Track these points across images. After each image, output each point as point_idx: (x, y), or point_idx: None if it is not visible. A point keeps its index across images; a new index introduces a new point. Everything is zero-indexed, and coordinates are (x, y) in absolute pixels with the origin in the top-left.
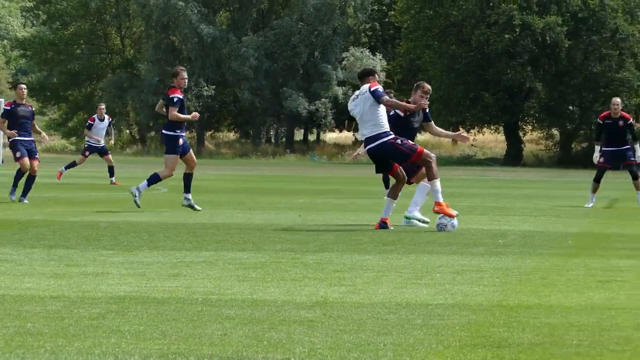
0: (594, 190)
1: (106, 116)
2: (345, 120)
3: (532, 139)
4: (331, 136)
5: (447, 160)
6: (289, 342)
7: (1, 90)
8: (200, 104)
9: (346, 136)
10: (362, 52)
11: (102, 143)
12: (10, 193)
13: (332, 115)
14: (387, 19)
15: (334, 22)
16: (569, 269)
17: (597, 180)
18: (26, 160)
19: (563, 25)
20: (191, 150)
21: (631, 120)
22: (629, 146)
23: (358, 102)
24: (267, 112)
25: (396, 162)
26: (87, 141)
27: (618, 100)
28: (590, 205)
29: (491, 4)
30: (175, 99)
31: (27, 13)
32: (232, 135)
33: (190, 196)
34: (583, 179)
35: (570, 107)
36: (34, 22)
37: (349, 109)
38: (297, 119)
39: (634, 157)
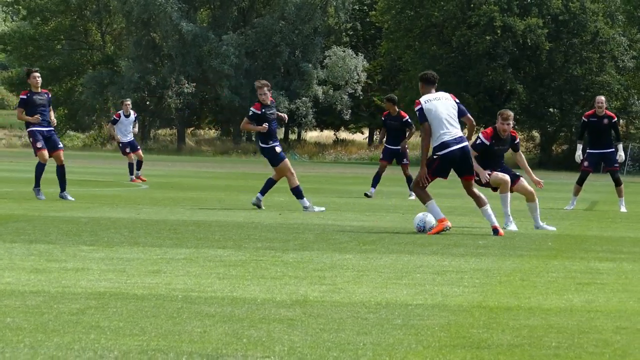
0: (576, 192)
1: (132, 111)
2: (325, 120)
3: None
4: (312, 135)
5: None
6: (268, 341)
7: None
8: (181, 101)
9: (327, 135)
10: (344, 51)
11: (131, 138)
12: (36, 193)
13: (312, 115)
14: (368, 19)
15: (315, 21)
16: (548, 271)
17: (580, 182)
18: (45, 152)
19: (544, 28)
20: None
21: (615, 119)
22: (613, 149)
23: (444, 104)
24: (248, 109)
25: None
26: (121, 141)
27: (602, 98)
28: (571, 207)
29: (472, 5)
30: (250, 113)
31: (7, 8)
32: (212, 133)
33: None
34: (563, 181)
35: (551, 110)
36: (14, 17)
37: (428, 107)
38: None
39: (617, 161)
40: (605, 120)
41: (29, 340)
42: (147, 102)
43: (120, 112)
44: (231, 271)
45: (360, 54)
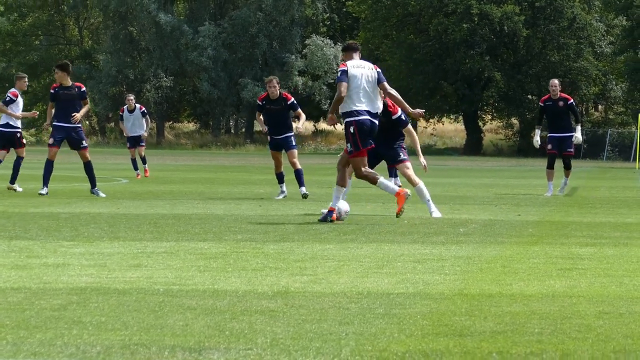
0: (550, 177)
1: (137, 106)
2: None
3: (492, 129)
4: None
5: (407, 150)
6: (251, 332)
7: None
8: (160, 94)
9: (306, 127)
10: (323, 41)
11: (137, 133)
12: (41, 188)
13: None
14: (344, 9)
15: (292, 12)
16: (530, 257)
17: (550, 166)
18: (54, 149)
19: (521, 15)
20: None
21: (571, 101)
22: (572, 133)
23: (366, 73)
24: (226, 102)
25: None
26: (127, 134)
27: (556, 81)
28: (550, 194)
29: None
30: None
31: None
32: (191, 126)
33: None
34: (542, 168)
35: (529, 96)
36: None
37: (353, 74)
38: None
39: (571, 145)
40: (561, 103)
41: (11, 337)
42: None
43: (125, 107)
44: (212, 264)
45: (338, 44)
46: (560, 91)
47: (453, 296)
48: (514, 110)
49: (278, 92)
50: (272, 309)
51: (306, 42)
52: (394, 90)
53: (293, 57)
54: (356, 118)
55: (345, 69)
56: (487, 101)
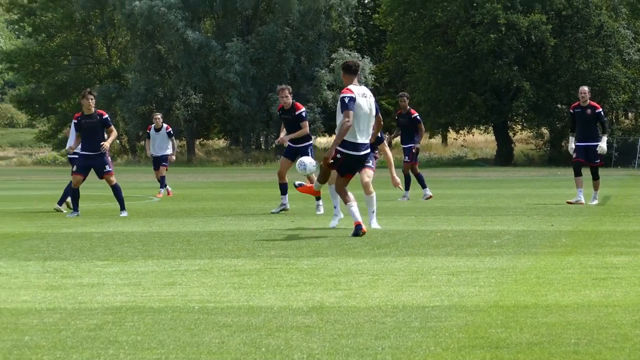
0: (578, 184)
1: (164, 125)
2: (333, 125)
3: (522, 139)
4: (321, 141)
5: (437, 161)
6: (287, 349)
7: None
8: (189, 112)
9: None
10: (350, 54)
11: (162, 152)
12: (71, 213)
13: (321, 120)
14: (371, 22)
15: (319, 26)
16: (564, 268)
17: (576, 174)
18: (77, 176)
19: (548, 24)
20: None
21: (599, 109)
22: (598, 142)
23: (369, 102)
24: (256, 118)
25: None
26: (151, 154)
27: (585, 88)
28: (575, 200)
29: (475, 4)
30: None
31: (12, 26)
32: (222, 143)
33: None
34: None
35: (559, 105)
36: (20, 34)
37: (359, 103)
38: None
39: (597, 156)
40: (589, 111)
41: (48, 358)
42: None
43: (152, 125)
44: (246, 280)
45: (366, 57)
46: (590, 99)
47: (488, 308)
48: (544, 120)
49: (290, 101)
50: (307, 324)
51: (333, 56)
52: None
53: (323, 71)
54: (348, 152)
55: (353, 96)
56: (516, 111)
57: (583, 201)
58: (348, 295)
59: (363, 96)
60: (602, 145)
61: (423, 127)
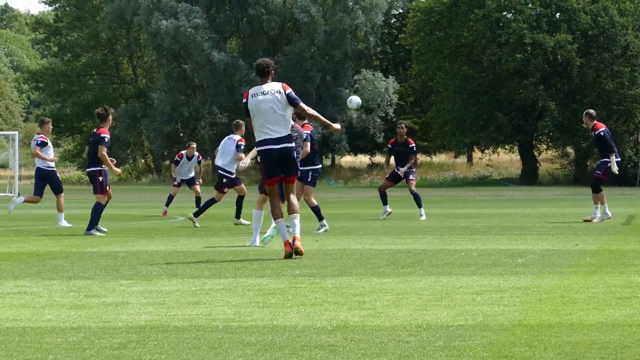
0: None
1: (196, 153)
2: (358, 144)
3: (547, 158)
4: (346, 160)
5: (462, 181)
6: None
7: (15, 123)
8: (215, 131)
9: (361, 160)
10: (374, 75)
11: (190, 175)
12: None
13: (346, 139)
14: (397, 42)
15: (345, 46)
16: (588, 287)
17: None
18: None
19: (574, 43)
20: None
21: (598, 131)
22: (601, 159)
23: (272, 98)
24: None
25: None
26: (180, 179)
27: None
28: (599, 216)
29: (501, 24)
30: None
31: (38, 45)
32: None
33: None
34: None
35: (584, 125)
36: (46, 54)
37: (253, 101)
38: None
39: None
40: (593, 133)
41: None
42: (181, 134)
43: (184, 152)
44: (270, 299)
45: (390, 76)
46: (589, 123)
47: (513, 327)
48: (569, 139)
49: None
50: (331, 343)
51: (355, 77)
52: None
53: (347, 91)
54: (264, 147)
55: (245, 100)
56: (542, 131)
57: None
58: (372, 315)
59: (262, 94)
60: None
61: (416, 157)
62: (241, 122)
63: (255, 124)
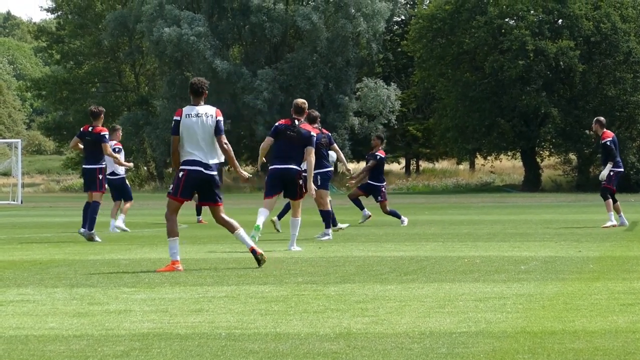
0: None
1: None
2: (361, 151)
3: (550, 164)
4: (349, 167)
5: (465, 187)
6: None
7: (18, 130)
8: None
9: (363, 167)
10: (375, 83)
11: None
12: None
13: (349, 146)
14: (399, 49)
15: (347, 53)
16: (591, 294)
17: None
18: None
19: (576, 50)
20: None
21: (604, 141)
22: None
23: (205, 121)
24: None
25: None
26: None
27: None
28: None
29: (503, 30)
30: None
31: (40, 53)
32: (249, 169)
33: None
34: (601, 203)
35: (587, 132)
36: (48, 61)
37: (185, 122)
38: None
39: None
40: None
41: None
42: None
43: None
44: (273, 307)
45: (392, 83)
46: (599, 130)
47: (516, 334)
48: (572, 146)
49: None
50: (334, 350)
51: (357, 85)
52: None
53: (347, 98)
54: (188, 167)
55: (178, 119)
56: (544, 137)
57: (614, 223)
58: (375, 322)
59: (197, 116)
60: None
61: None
62: (117, 127)
63: (184, 144)
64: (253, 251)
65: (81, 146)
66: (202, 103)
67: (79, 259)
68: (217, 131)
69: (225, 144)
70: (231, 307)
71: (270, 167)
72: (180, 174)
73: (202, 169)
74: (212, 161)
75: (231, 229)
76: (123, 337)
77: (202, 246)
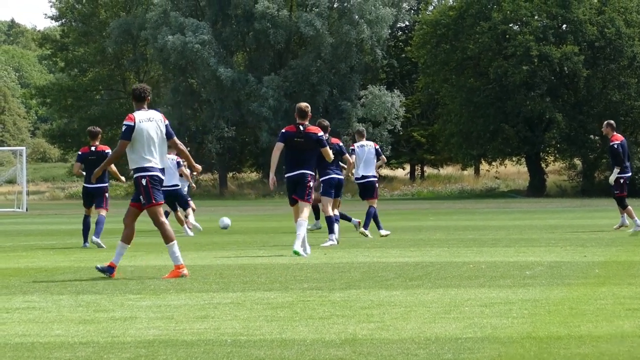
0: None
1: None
2: None
3: (555, 170)
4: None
5: (470, 193)
6: None
7: (22, 138)
8: (222, 145)
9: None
10: (380, 90)
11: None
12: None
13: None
14: (404, 55)
15: (351, 59)
16: (597, 298)
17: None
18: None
19: (580, 55)
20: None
21: (612, 143)
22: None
23: (157, 126)
24: None
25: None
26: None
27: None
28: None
29: (507, 36)
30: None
31: (45, 61)
32: (254, 176)
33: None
34: (606, 208)
35: (591, 137)
36: (52, 69)
37: (140, 127)
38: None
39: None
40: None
41: None
42: (188, 148)
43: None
44: (279, 313)
45: (396, 90)
46: (609, 133)
47: (521, 339)
48: (577, 151)
49: None
50: (340, 356)
51: (361, 92)
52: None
53: (349, 104)
54: (144, 174)
55: (132, 124)
56: (549, 142)
57: (627, 223)
58: (381, 328)
59: (149, 120)
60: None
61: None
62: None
63: (138, 149)
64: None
65: (83, 172)
66: (146, 108)
67: (85, 266)
68: (170, 135)
69: (179, 143)
70: (237, 313)
71: (285, 176)
72: (144, 181)
73: (160, 174)
74: (162, 165)
75: (165, 236)
76: (129, 344)
77: (207, 253)
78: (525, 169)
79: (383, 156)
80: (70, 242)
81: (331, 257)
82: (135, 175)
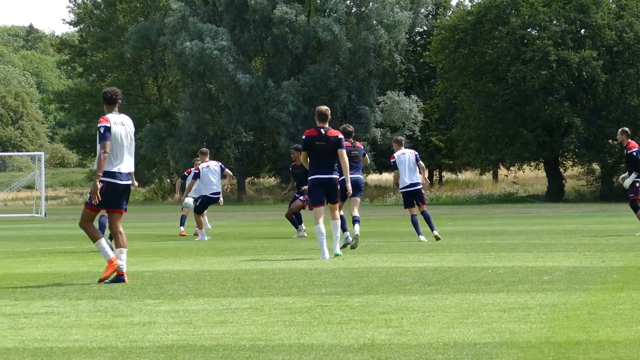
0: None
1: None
2: (384, 162)
3: (573, 175)
4: (372, 178)
5: (488, 198)
6: None
7: (41, 143)
8: (240, 150)
9: (387, 178)
10: (398, 95)
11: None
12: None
13: (371, 158)
14: (422, 60)
15: (369, 64)
16: (616, 304)
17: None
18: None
19: (599, 60)
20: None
21: (630, 151)
22: (630, 177)
23: (127, 131)
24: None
25: None
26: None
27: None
28: None
29: (526, 41)
30: None
31: (63, 66)
32: (272, 181)
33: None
34: (625, 213)
35: (610, 141)
36: (71, 74)
37: (115, 131)
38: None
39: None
40: (625, 151)
41: None
42: None
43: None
44: (297, 318)
45: (414, 95)
46: (624, 140)
47: (540, 345)
48: (595, 156)
49: None
50: None
51: (379, 98)
52: None
53: (368, 109)
54: (109, 180)
55: (108, 125)
56: (567, 147)
57: None
58: (399, 333)
59: (122, 124)
60: (627, 180)
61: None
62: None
63: (113, 151)
64: (120, 275)
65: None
66: (117, 111)
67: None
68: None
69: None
70: (255, 318)
71: (309, 178)
72: (100, 184)
73: (125, 182)
74: (130, 170)
75: (119, 244)
76: (147, 349)
77: (226, 258)
78: (544, 174)
79: (421, 162)
80: (89, 247)
81: (349, 262)
82: (102, 178)
